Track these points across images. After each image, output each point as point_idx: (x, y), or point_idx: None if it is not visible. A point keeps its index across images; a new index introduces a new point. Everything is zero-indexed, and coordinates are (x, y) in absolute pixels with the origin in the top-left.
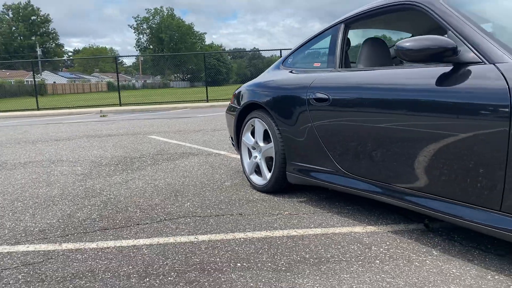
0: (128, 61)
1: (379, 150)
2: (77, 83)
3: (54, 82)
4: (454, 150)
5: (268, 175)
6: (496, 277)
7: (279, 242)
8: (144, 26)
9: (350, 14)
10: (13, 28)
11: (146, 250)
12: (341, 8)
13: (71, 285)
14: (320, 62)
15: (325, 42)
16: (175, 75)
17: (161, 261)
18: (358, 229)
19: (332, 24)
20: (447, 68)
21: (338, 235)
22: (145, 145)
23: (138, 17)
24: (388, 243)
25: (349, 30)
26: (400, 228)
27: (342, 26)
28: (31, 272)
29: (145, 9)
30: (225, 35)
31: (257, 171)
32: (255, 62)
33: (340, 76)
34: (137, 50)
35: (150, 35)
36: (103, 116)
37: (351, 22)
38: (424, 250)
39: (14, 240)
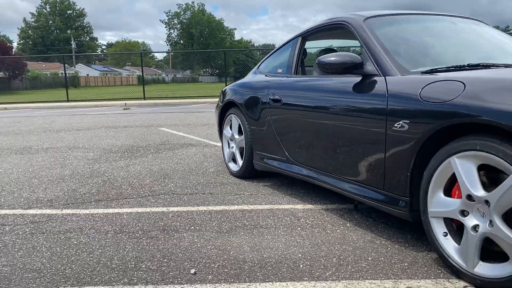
0: (160, 56)
1: (312, 142)
2: (109, 76)
3: (87, 75)
4: (359, 143)
5: (241, 163)
6: (383, 242)
7: (231, 214)
8: (175, 21)
9: (305, 29)
10: (50, 21)
11: (125, 216)
12: (372, 4)
13: (63, 236)
14: (281, 69)
15: (287, 52)
16: (204, 70)
17: (134, 224)
18: (299, 206)
19: (293, 37)
20: (358, 78)
21: (281, 210)
22: (154, 136)
23: (169, 12)
24: (316, 217)
25: (306, 42)
26: (333, 207)
27: (300, 39)
28: (36, 227)
29: (177, 4)
30: (255, 30)
31: (234, 159)
32: None
33: (291, 81)
34: (167, 44)
35: (180, 30)
36: (126, 109)
37: (306, 36)
38: (341, 223)
39: (27, 206)
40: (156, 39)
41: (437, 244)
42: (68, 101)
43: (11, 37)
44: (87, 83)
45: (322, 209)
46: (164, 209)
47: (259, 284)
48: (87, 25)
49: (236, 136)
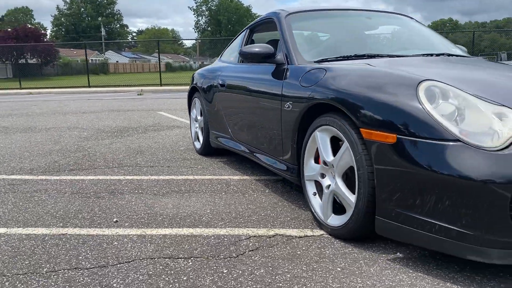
0: (188, 43)
1: (243, 121)
2: (137, 63)
3: (117, 62)
4: (268, 121)
5: (202, 141)
6: (285, 204)
7: (174, 182)
8: (203, 8)
9: (252, 23)
10: (82, 9)
11: (87, 181)
12: None
13: (29, 195)
14: (233, 57)
15: (238, 42)
16: None
17: (90, 187)
18: (236, 177)
19: (244, 29)
20: (273, 66)
21: (218, 180)
22: (149, 119)
23: None
24: (244, 185)
25: (253, 34)
26: (265, 178)
27: (248, 30)
28: (10, 188)
29: None
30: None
31: (198, 138)
32: None
33: (232, 68)
34: (195, 32)
35: (209, 17)
36: (140, 94)
37: (252, 29)
38: (261, 190)
39: (11, 172)
40: (186, 26)
41: (308, 202)
42: (89, 86)
43: (45, 24)
44: (116, 70)
45: (254, 179)
46: (121, 177)
47: (161, 229)
48: (117, 13)
49: (199, 117)
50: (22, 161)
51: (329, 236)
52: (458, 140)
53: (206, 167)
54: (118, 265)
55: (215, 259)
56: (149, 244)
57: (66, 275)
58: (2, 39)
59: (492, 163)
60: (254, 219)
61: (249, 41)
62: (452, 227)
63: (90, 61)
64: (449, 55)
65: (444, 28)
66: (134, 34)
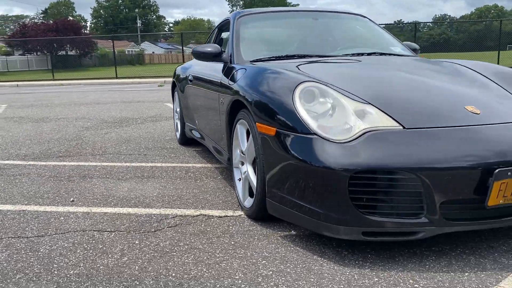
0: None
1: (202, 113)
2: (172, 54)
3: (153, 52)
4: (213, 113)
5: (179, 132)
6: (227, 189)
7: (141, 168)
8: None
9: (220, 22)
10: (120, 1)
11: (67, 167)
12: None
13: (12, 178)
14: None
15: (210, 39)
16: None
17: (67, 172)
18: (199, 165)
19: (214, 28)
20: (221, 64)
21: (181, 167)
22: (153, 110)
23: None
24: (202, 172)
25: (222, 32)
26: (223, 166)
27: (217, 29)
28: (0, 172)
29: None
30: (322, 5)
31: (178, 129)
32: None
33: (198, 64)
34: None
35: (243, 7)
36: (160, 85)
37: (220, 27)
38: (214, 176)
39: (6, 158)
40: (222, 16)
41: (235, 187)
42: (116, 78)
43: (86, 16)
44: (151, 61)
45: (214, 167)
46: (98, 163)
47: (106, 208)
48: (153, 4)
49: (178, 110)
50: (21, 148)
51: (245, 216)
52: (315, 134)
53: (178, 155)
54: (53, 235)
55: (135, 233)
56: (88, 220)
57: (7, 242)
58: (43, 32)
59: (338, 152)
60: (191, 201)
61: (218, 39)
62: (312, 207)
63: (126, 52)
64: (380, 54)
65: (489, 14)
66: (170, 24)
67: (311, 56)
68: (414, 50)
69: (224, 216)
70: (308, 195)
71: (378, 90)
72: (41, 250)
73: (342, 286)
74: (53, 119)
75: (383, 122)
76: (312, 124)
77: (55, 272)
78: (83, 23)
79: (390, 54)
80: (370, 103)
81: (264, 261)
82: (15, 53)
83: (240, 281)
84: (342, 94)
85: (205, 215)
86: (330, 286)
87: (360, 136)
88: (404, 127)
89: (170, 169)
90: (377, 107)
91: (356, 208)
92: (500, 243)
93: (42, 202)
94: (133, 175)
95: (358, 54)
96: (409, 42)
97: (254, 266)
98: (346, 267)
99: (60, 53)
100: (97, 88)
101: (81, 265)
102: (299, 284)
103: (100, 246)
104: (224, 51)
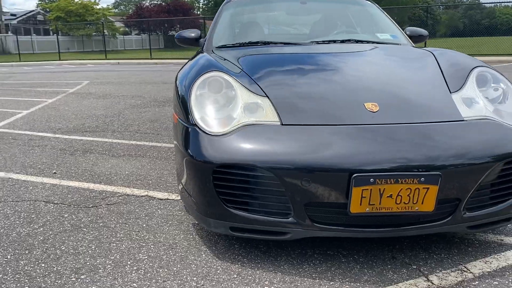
0: None
1: None
2: None
3: None
4: None
5: None
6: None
7: (142, 147)
8: None
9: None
10: None
11: (81, 142)
12: None
13: (30, 148)
14: None
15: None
16: None
17: (72, 145)
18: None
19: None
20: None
21: (160, 147)
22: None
23: None
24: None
25: None
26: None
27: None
28: (27, 142)
29: None
30: None
31: None
32: (471, 13)
33: None
34: None
35: None
36: None
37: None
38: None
39: (42, 130)
40: None
41: None
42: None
43: None
44: None
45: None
46: (109, 140)
47: (74, 182)
48: None
49: None
50: (61, 122)
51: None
52: (195, 124)
53: (166, 137)
54: (8, 202)
55: (73, 207)
56: (49, 191)
57: None
58: (156, 13)
59: (208, 144)
60: (152, 182)
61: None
62: (193, 198)
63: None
64: (356, 41)
65: None
66: None
67: (275, 43)
68: (419, 36)
69: (165, 199)
70: (190, 185)
71: (288, 83)
72: None
73: (206, 274)
74: (114, 95)
75: (268, 116)
76: (196, 115)
77: None
78: (196, 4)
79: (367, 42)
80: (266, 96)
81: (153, 246)
82: (132, 33)
83: (107, 261)
84: (243, 86)
85: (150, 196)
86: (199, 274)
87: (237, 129)
88: (282, 123)
89: (160, 149)
90: (271, 101)
91: (222, 202)
92: (387, 254)
93: (31, 171)
94: (127, 153)
95: (329, 42)
96: (415, 28)
97: (139, 249)
98: (221, 260)
99: (170, 33)
100: (163, 67)
101: (1, 231)
102: (167, 270)
103: (33, 216)
104: (203, 37)
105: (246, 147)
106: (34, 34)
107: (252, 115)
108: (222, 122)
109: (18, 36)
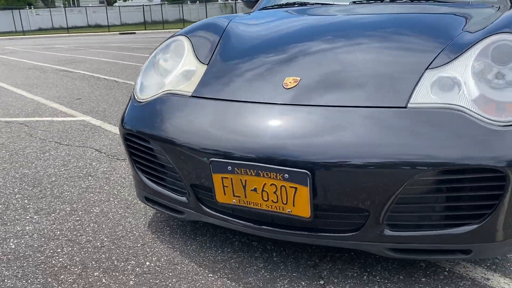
0: None
1: None
2: None
3: None
4: None
5: None
6: None
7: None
8: None
9: None
10: None
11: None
12: None
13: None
14: None
15: None
16: None
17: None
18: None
19: None
20: None
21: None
22: None
23: None
24: None
25: None
26: None
27: None
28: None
29: None
30: None
31: None
32: None
33: None
34: None
35: None
36: None
37: None
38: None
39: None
40: None
41: None
42: None
43: None
44: None
45: None
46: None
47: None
48: None
49: None
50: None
51: None
52: (133, 89)
53: None
54: None
55: (26, 134)
56: (45, 126)
57: None
58: None
59: (129, 110)
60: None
61: None
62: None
63: None
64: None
65: None
66: None
67: (311, 4)
68: None
69: None
70: None
71: (246, 53)
72: None
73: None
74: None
75: (189, 87)
76: (139, 79)
77: None
78: None
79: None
80: (206, 64)
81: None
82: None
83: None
84: (193, 52)
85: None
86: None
87: (155, 98)
88: (191, 95)
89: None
90: (205, 70)
91: (137, 171)
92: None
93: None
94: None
95: (368, 2)
96: None
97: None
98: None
99: None
100: None
101: None
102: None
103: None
104: None
105: (147, 117)
106: None
107: (183, 83)
108: (151, 89)
109: None
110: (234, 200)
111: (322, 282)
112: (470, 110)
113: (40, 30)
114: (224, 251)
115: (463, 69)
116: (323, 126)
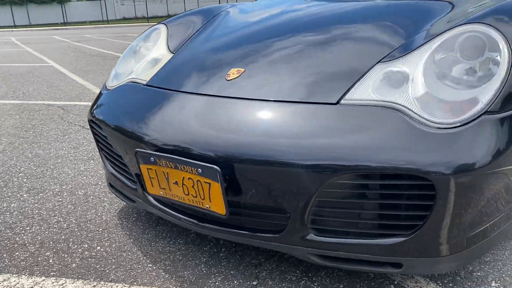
0: None
1: None
2: None
3: None
4: None
5: None
6: None
7: None
8: None
9: None
10: None
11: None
12: None
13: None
14: None
15: None
16: None
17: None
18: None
19: None
20: None
21: None
22: None
23: None
24: None
25: None
26: None
27: None
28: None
29: None
30: None
31: None
32: None
33: None
34: None
35: None
36: None
37: None
38: None
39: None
40: None
41: None
42: None
43: None
44: None
45: None
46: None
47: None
48: None
49: None
50: None
51: None
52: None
53: None
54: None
55: (59, 117)
56: (49, 107)
57: None
58: None
59: (99, 97)
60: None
61: None
62: None
63: None
64: None
65: None
66: None
67: None
68: None
69: None
70: None
71: (215, 43)
72: None
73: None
74: None
75: (149, 75)
76: (114, 69)
77: None
78: None
79: None
80: (172, 53)
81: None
82: None
83: None
84: (166, 40)
85: None
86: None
87: (118, 86)
88: (145, 84)
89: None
90: (168, 59)
91: (102, 157)
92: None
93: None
94: None
95: None
96: None
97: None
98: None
99: None
100: None
101: None
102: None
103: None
104: None
105: (105, 105)
106: None
107: (147, 71)
108: (121, 77)
109: None
110: (161, 192)
111: (255, 283)
112: (409, 110)
113: (124, 20)
114: (175, 242)
115: (417, 63)
116: (238, 120)
